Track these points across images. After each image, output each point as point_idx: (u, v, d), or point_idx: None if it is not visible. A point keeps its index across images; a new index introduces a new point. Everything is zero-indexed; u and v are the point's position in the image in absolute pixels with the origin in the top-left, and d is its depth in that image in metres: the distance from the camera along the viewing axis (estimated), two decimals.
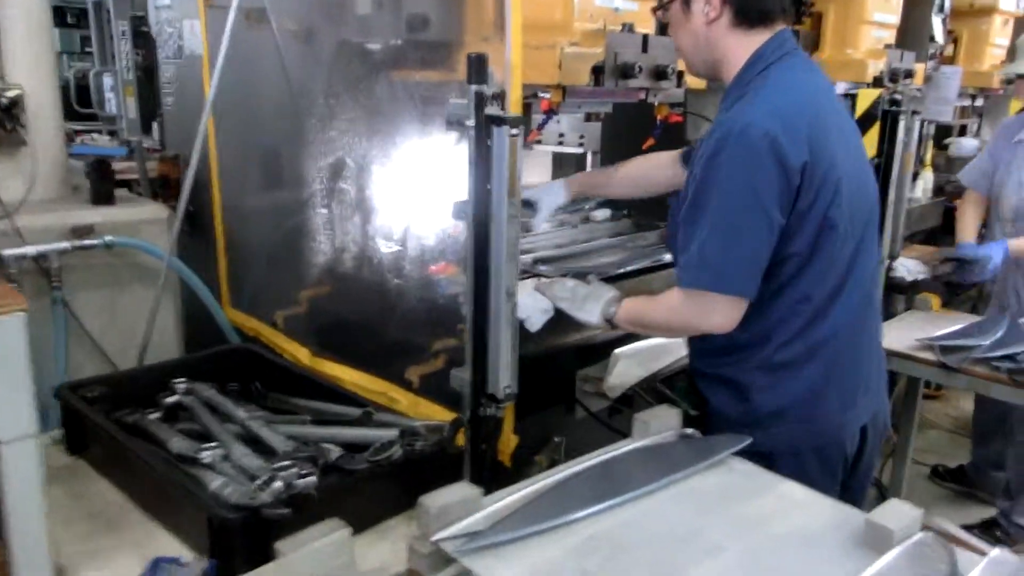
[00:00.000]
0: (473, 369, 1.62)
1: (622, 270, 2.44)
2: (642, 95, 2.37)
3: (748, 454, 1.79)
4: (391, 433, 1.68)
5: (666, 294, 1.80)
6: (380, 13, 2.12)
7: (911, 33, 3.79)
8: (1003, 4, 4.47)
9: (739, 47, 1.77)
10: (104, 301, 2.51)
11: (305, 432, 1.81)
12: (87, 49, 8.63)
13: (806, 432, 1.83)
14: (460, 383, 1.67)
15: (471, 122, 1.51)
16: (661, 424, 1.87)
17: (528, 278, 2.39)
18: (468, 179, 1.55)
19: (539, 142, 2.49)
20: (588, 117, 2.65)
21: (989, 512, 3.59)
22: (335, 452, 1.66)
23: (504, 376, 1.62)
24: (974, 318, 3.10)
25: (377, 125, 2.04)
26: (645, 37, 2.24)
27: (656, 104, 2.44)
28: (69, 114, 6.84)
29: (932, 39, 4.02)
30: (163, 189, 3.45)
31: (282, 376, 2.21)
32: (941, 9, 4.02)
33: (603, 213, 2.94)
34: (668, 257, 2.62)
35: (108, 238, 2.39)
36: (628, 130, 2.87)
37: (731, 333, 1.74)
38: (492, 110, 1.50)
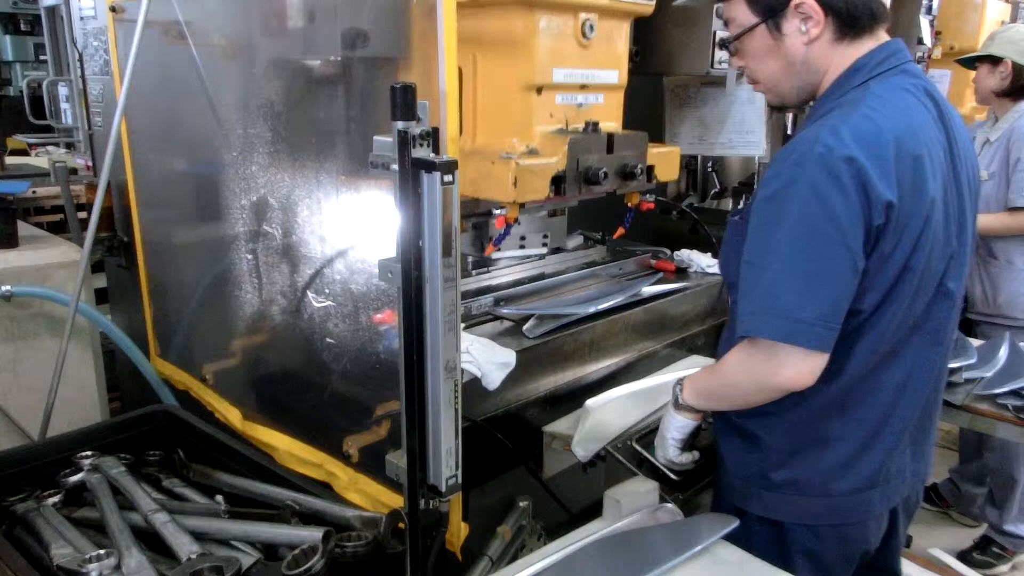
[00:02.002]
0: (410, 458, 1.36)
1: (597, 308, 2.19)
2: (610, 190, 2.11)
3: (757, 519, 1.58)
4: (316, 533, 1.42)
5: (730, 352, 1.51)
6: (309, 25, 1.85)
7: (898, 35, 3.56)
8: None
9: (843, 60, 1.48)
10: (5, 359, 2.22)
11: (217, 528, 1.54)
12: (41, 57, 8.35)
13: (826, 508, 1.56)
14: (396, 471, 1.41)
15: (396, 166, 1.25)
16: (635, 501, 1.63)
17: (488, 321, 2.15)
18: (396, 233, 1.29)
19: (498, 249, 2.25)
20: (552, 213, 2.42)
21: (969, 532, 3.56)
22: (248, 558, 1.40)
23: (447, 465, 1.36)
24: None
25: (301, 159, 1.77)
26: (611, 137, 2.00)
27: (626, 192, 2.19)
28: (24, 126, 6.55)
29: (920, 41, 3.82)
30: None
31: (207, 444, 1.95)
32: (929, 10, 3.82)
33: (574, 241, 2.68)
34: (649, 291, 2.39)
35: (6, 288, 2.11)
36: (596, 218, 2.65)
37: None
38: (420, 152, 1.24)
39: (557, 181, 1.86)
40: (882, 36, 1.51)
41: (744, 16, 1.52)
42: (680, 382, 1.65)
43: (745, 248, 1.43)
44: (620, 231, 2.28)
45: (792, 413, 1.52)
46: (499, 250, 2.23)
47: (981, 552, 3.43)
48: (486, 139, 1.89)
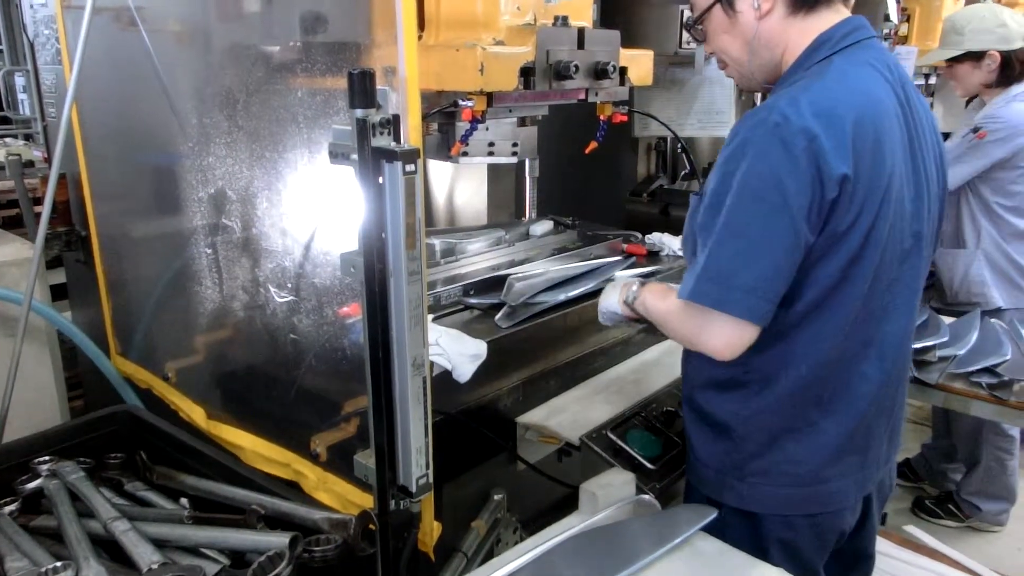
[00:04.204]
0: (378, 458, 1.32)
1: (568, 295, 2.15)
2: (581, 95, 2.09)
3: (732, 511, 1.56)
4: (283, 539, 1.37)
5: (673, 300, 1.52)
6: (266, 10, 1.78)
7: (864, 11, 3.56)
8: None
9: (799, 37, 1.47)
10: None
11: (180, 535, 1.48)
12: None
13: (800, 498, 1.55)
14: (364, 472, 1.36)
15: (356, 156, 1.20)
16: (612, 494, 1.60)
17: (458, 311, 2.11)
18: (358, 225, 1.24)
19: (466, 154, 2.17)
20: (522, 122, 2.36)
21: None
22: (213, 566, 1.35)
23: (417, 465, 1.32)
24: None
25: (259, 150, 1.70)
26: (581, 31, 1.96)
27: (598, 103, 2.16)
28: None
29: (887, 18, 3.81)
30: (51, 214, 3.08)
31: (170, 445, 1.89)
32: None
33: (544, 227, 2.64)
34: (621, 276, 2.35)
35: None
36: (568, 132, 2.59)
37: (732, 364, 1.44)
38: (380, 141, 1.18)
39: (526, 73, 1.80)
40: (842, 11, 1.50)
41: None
42: (641, 283, 1.73)
43: (699, 220, 1.43)
44: (592, 145, 2.21)
45: (765, 402, 1.50)
46: (467, 153, 2.12)
47: (937, 503, 3.53)
48: (450, 34, 1.81)
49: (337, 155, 1.25)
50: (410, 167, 1.17)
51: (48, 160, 3.27)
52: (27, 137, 7.54)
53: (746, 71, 1.57)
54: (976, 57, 3.07)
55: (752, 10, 1.47)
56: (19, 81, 8.05)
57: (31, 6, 2.86)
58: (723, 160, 1.39)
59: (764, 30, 1.48)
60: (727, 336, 1.39)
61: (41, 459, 1.79)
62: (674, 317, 1.51)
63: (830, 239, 1.37)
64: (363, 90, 1.18)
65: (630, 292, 1.71)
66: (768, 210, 1.32)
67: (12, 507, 1.68)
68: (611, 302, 1.79)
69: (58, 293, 2.91)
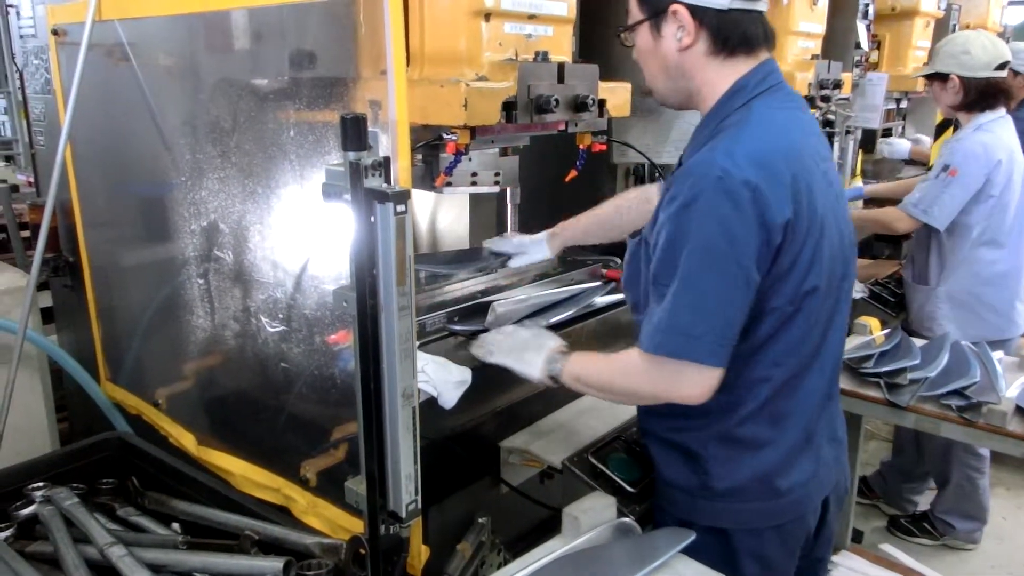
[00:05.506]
0: (369, 484, 1.37)
1: (549, 321, 2.21)
2: (562, 126, 2.16)
3: (703, 529, 1.62)
4: (277, 564, 1.41)
5: (625, 355, 1.58)
6: (256, 47, 1.84)
7: (836, 40, 3.68)
8: (924, 6, 4.44)
9: (717, 78, 1.55)
10: None
11: (176, 560, 1.52)
12: None
13: (767, 510, 1.64)
14: (355, 498, 1.41)
15: (348, 196, 1.25)
16: (594, 517, 1.65)
17: (442, 338, 2.16)
18: (349, 262, 1.29)
19: (449, 184, 2.23)
20: (503, 151, 2.42)
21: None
22: None
23: (407, 491, 1.37)
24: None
25: (252, 184, 1.76)
26: (561, 66, 2.03)
27: (578, 133, 2.23)
28: None
29: (858, 45, 3.92)
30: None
31: (161, 471, 1.92)
32: (865, 15, 3.92)
33: None
34: (601, 301, 2.41)
35: None
36: (549, 161, 2.66)
37: None
38: (373, 182, 1.24)
39: (508, 107, 1.86)
40: (761, 55, 1.58)
41: (635, 11, 1.60)
42: (566, 356, 1.69)
43: (652, 271, 1.50)
44: (572, 173, 2.28)
45: (725, 427, 1.59)
46: (450, 184, 2.18)
47: (911, 521, 3.61)
48: (434, 69, 1.87)
49: (331, 194, 1.31)
50: (401, 208, 1.23)
51: (33, 184, 3.30)
52: (7, 159, 7.55)
53: (658, 89, 1.66)
54: (942, 79, 3.24)
55: (675, 40, 1.53)
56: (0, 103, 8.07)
57: (20, 36, 2.90)
58: (673, 213, 1.44)
59: (683, 61, 1.55)
60: (700, 384, 1.46)
61: (35, 485, 1.82)
62: (641, 376, 1.53)
63: (777, 276, 1.47)
64: (356, 134, 1.24)
65: (553, 366, 1.70)
66: (722, 261, 1.41)
67: (7, 533, 1.71)
68: (530, 369, 1.74)
69: (44, 317, 2.93)
